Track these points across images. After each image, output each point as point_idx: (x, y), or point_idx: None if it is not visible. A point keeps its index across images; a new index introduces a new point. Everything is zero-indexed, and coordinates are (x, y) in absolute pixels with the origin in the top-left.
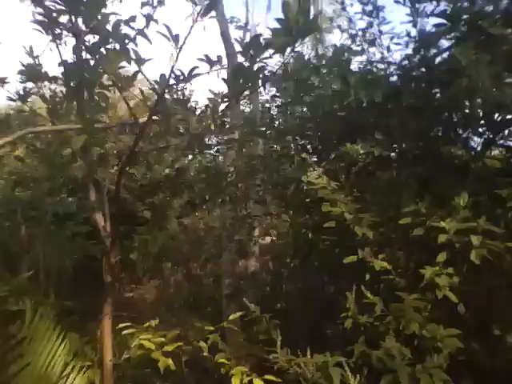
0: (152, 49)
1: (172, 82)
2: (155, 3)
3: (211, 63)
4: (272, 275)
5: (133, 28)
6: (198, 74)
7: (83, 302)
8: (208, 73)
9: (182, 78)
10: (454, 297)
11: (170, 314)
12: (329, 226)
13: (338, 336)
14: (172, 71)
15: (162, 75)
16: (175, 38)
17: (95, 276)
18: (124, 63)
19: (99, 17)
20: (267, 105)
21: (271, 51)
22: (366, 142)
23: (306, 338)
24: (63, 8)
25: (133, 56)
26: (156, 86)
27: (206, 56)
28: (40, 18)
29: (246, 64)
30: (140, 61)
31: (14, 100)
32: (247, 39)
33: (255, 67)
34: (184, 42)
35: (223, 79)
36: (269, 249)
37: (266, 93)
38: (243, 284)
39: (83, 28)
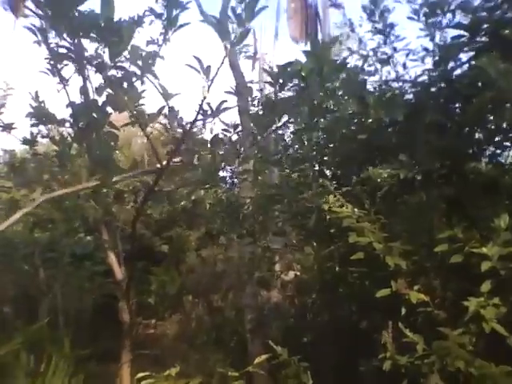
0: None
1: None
2: (160, 41)
3: (239, 95)
4: (297, 311)
5: (139, 66)
6: (228, 108)
7: (104, 344)
8: (238, 106)
9: (209, 112)
10: (502, 329)
11: (193, 350)
12: (357, 257)
13: (373, 377)
14: (201, 106)
15: (172, 109)
16: (206, 70)
17: (115, 315)
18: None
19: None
20: (280, 132)
21: None
22: (389, 164)
23: (338, 379)
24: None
25: (160, 90)
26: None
27: (235, 88)
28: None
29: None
30: (167, 95)
31: (26, 144)
32: (257, 69)
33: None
34: (216, 74)
35: (251, 115)
36: (292, 284)
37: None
38: (266, 319)
39: (108, 62)
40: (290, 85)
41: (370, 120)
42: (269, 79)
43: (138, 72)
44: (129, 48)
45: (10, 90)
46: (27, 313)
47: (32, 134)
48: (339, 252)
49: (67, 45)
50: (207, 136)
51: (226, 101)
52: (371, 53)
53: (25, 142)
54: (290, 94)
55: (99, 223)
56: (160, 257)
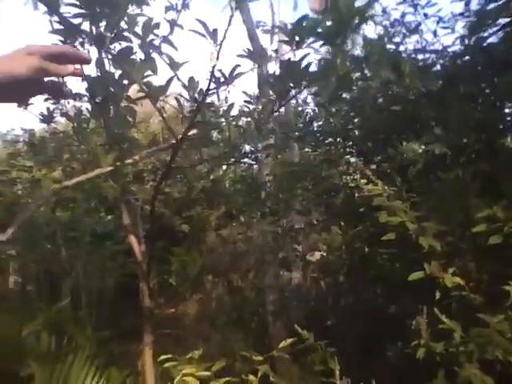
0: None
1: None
2: (179, 7)
3: (255, 59)
4: (322, 293)
5: (157, 35)
6: (241, 73)
7: (126, 323)
8: (252, 69)
9: (222, 79)
10: None
11: (214, 331)
12: (388, 238)
13: (403, 364)
14: (213, 73)
15: (192, 78)
16: (213, 34)
17: (137, 294)
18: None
19: (125, 19)
20: (300, 108)
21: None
22: (422, 138)
23: (367, 366)
24: (83, 11)
25: (166, 60)
26: (189, 93)
27: (249, 51)
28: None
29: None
30: (175, 65)
31: (44, 121)
32: (274, 43)
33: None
34: (224, 37)
35: (268, 80)
36: (317, 265)
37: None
38: (289, 300)
39: (107, 34)
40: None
41: (404, 90)
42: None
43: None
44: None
45: None
46: (50, 292)
47: (49, 110)
48: (368, 232)
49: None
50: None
51: (239, 65)
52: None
53: (42, 119)
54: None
55: (119, 202)
56: (180, 236)
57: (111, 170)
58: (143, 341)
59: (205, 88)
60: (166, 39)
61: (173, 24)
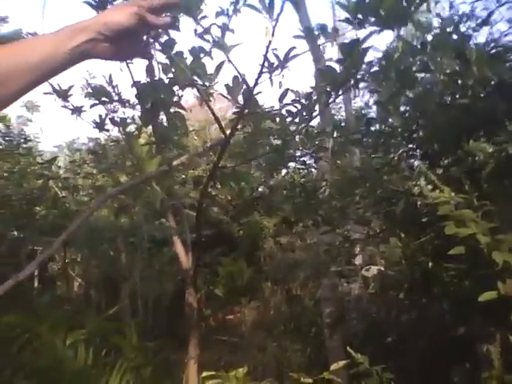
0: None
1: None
2: (230, 12)
3: (313, 36)
4: (381, 310)
5: (207, 41)
6: (297, 55)
7: (180, 331)
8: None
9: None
10: None
11: (271, 339)
12: (455, 252)
13: None
14: (267, 52)
15: (236, 78)
16: (269, 7)
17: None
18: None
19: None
20: (362, 111)
21: None
22: (495, 136)
23: None
24: None
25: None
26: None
27: (307, 29)
28: None
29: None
30: (226, 48)
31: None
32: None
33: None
34: (281, 10)
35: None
36: (375, 280)
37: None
38: (346, 315)
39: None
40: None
41: (472, 81)
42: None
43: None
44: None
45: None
46: (110, 296)
47: (100, 116)
48: (432, 245)
49: None
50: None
51: (295, 47)
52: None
53: (96, 125)
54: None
55: (166, 209)
56: (238, 242)
57: (155, 174)
58: (188, 355)
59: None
60: (217, 44)
61: (224, 29)
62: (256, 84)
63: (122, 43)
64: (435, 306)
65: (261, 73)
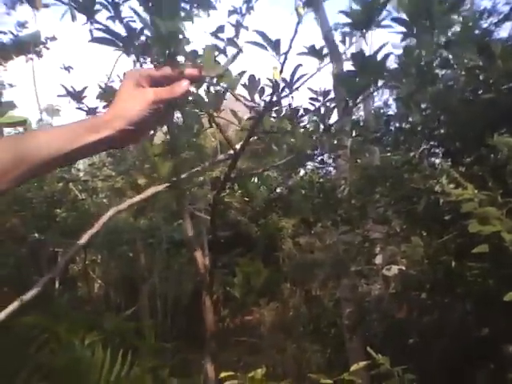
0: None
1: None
2: (244, 10)
3: (319, 56)
4: (402, 311)
5: (222, 39)
6: (305, 76)
7: (199, 331)
8: (319, 70)
9: (285, 88)
10: None
11: (290, 340)
12: (479, 251)
13: None
14: (276, 88)
15: (252, 77)
16: (275, 45)
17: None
18: None
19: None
20: (381, 111)
21: None
22: None
23: None
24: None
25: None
26: (249, 93)
27: (312, 48)
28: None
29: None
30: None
31: None
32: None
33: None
34: (290, 47)
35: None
36: (396, 280)
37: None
38: (366, 316)
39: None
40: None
41: (496, 75)
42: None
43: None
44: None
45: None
46: (129, 297)
47: None
48: (455, 243)
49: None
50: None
51: (301, 65)
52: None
53: None
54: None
55: (182, 212)
56: (256, 243)
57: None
58: (205, 359)
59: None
60: (231, 41)
61: (238, 27)
62: (266, 109)
63: (142, 128)
64: (458, 306)
65: (271, 102)
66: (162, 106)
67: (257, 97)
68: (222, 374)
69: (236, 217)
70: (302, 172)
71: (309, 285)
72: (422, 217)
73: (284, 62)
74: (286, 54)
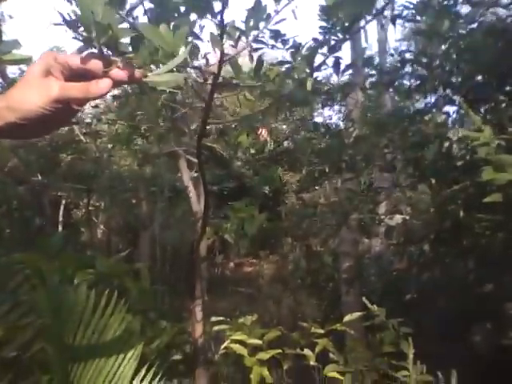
0: None
1: None
2: None
3: None
4: (402, 263)
5: None
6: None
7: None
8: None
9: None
10: None
11: (287, 293)
12: (492, 200)
13: (497, 357)
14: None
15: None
16: None
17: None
18: None
19: None
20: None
21: None
22: None
23: (448, 350)
24: None
25: None
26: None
27: None
28: None
29: None
30: None
31: None
32: None
33: None
34: None
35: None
36: (399, 230)
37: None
38: (364, 269)
39: None
40: None
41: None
42: None
43: None
44: None
45: None
46: (131, 243)
47: None
48: (466, 193)
49: None
50: None
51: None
52: None
53: None
54: None
55: (178, 157)
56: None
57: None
58: (194, 299)
59: None
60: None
61: None
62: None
63: (39, 125)
64: (461, 261)
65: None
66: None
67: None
68: (213, 319)
69: (239, 169)
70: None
71: (309, 240)
72: (431, 164)
73: None
74: None
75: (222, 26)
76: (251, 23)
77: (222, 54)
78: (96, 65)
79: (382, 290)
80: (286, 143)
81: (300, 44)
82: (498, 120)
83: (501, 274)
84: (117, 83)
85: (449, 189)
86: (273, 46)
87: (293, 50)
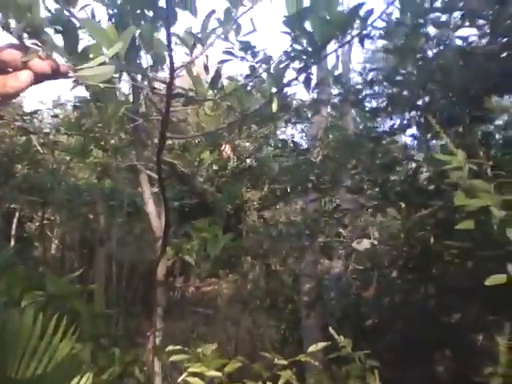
0: None
1: None
2: None
3: None
4: (369, 290)
5: None
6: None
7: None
8: None
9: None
10: None
11: (246, 314)
12: (464, 227)
13: None
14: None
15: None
16: None
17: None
18: None
19: None
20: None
21: None
22: None
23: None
24: None
25: None
26: None
27: None
28: None
29: None
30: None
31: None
32: None
33: None
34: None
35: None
36: (367, 255)
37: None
38: (326, 294)
39: None
40: None
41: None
42: None
43: None
44: None
45: None
46: (86, 260)
47: None
48: (436, 219)
49: None
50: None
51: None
52: None
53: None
54: None
55: (139, 173)
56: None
57: None
58: (152, 326)
59: None
60: None
61: None
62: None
63: None
64: (433, 288)
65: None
66: None
67: None
68: (169, 348)
69: (201, 185)
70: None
71: (269, 259)
72: (401, 187)
73: None
74: None
75: (169, 33)
76: (209, 30)
77: (172, 62)
78: (13, 55)
79: (343, 314)
80: (248, 160)
81: (271, 57)
82: (468, 143)
83: (471, 304)
84: (39, 76)
85: (417, 213)
86: (242, 58)
87: (263, 63)
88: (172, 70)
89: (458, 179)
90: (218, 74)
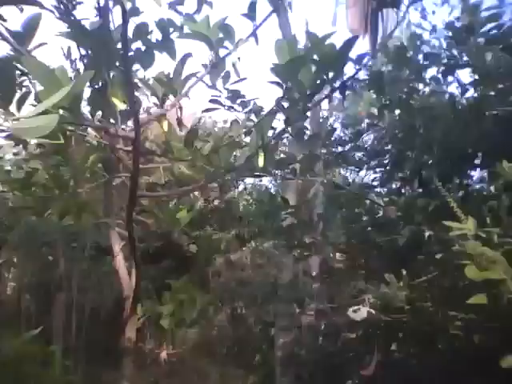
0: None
1: None
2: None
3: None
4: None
5: (180, 13)
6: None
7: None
8: None
9: None
10: None
11: (212, 364)
12: (476, 302)
13: None
14: None
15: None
16: None
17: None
18: None
19: None
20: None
21: None
22: None
23: None
24: None
25: None
26: None
27: None
28: None
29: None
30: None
31: None
32: None
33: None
34: None
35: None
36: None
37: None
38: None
39: None
40: None
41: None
42: None
43: None
44: None
45: None
46: (44, 305)
47: None
48: (441, 288)
49: None
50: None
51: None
52: None
53: None
54: None
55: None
56: (189, 256)
57: None
58: None
59: None
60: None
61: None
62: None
63: None
64: (436, 364)
65: None
66: None
67: None
68: None
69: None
70: (240, 187)
71: (236, 306)
72: (402, 252)
73: None
74: None
75: (130, 81)
76: (183, 77)
77: (137, 116)
78: None
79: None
80: (216, 202)
81: (261, 108)
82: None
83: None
84: None
85: (418, 279)
86: (229, 108)
87: (253, 113)
88: (137, 126)
89: (472, 250)
90: (193, 134)
